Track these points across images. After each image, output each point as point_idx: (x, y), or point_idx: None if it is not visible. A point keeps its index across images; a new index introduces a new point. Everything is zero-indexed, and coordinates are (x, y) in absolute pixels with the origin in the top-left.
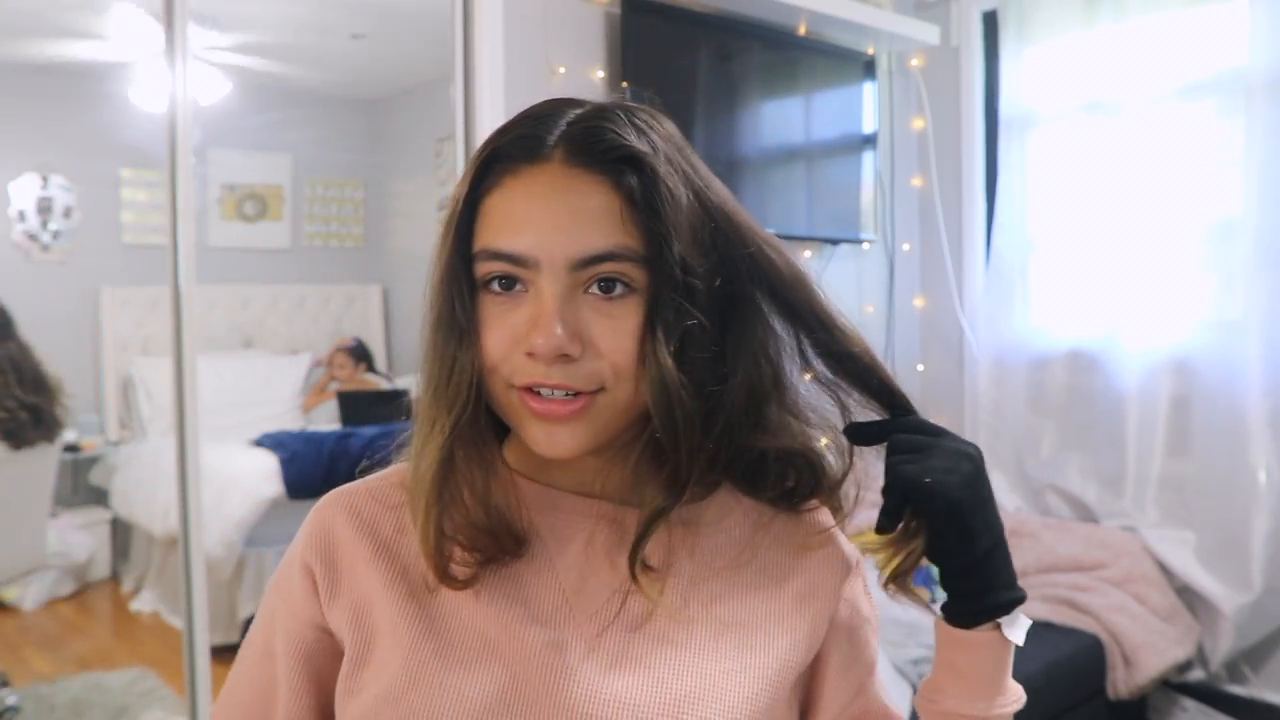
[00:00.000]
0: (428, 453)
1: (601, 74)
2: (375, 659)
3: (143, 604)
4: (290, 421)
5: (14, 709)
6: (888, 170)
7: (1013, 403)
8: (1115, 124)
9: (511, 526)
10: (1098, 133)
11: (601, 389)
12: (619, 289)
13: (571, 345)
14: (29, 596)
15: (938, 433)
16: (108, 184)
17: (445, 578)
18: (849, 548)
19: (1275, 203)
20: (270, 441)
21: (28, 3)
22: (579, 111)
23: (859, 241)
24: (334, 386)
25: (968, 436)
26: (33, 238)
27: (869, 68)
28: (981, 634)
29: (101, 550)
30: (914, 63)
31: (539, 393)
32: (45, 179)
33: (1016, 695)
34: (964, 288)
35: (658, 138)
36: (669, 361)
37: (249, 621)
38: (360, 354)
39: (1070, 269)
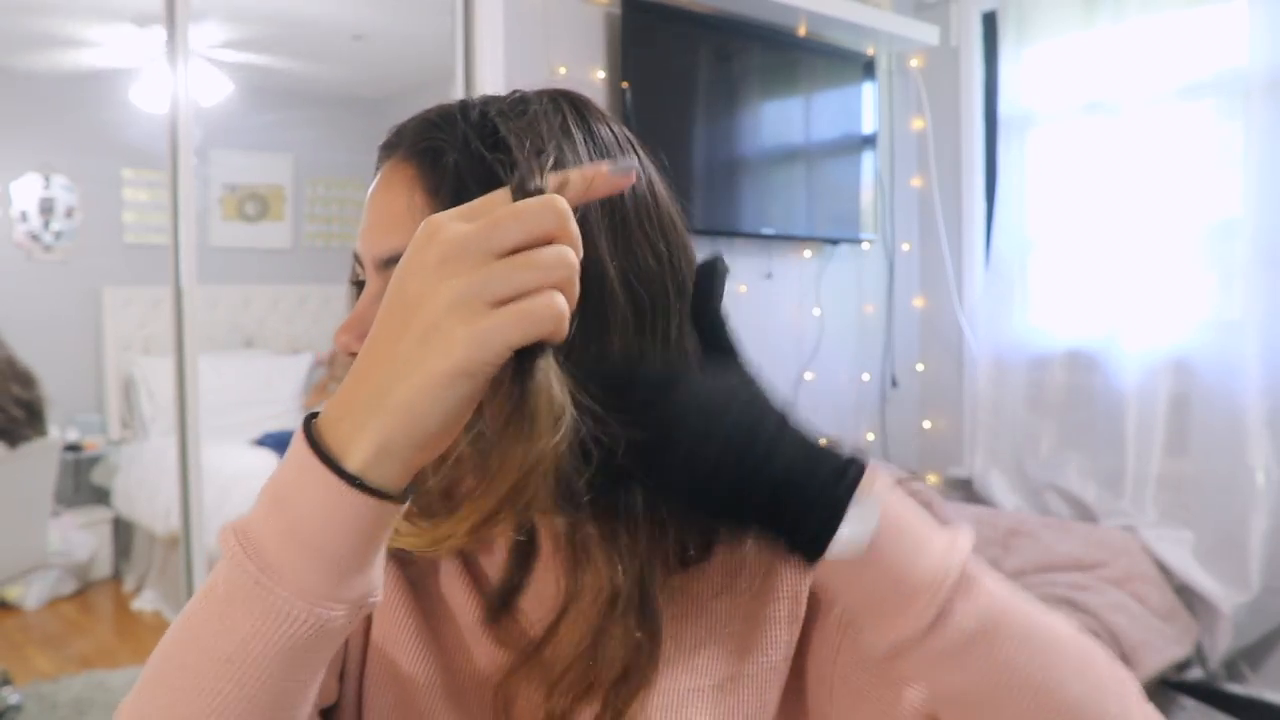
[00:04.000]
0: None
1: (601, 74)
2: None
3: (144, 603)
4: (291, 421)
5: (16, 708)
6: (887, 170)
7: (1012, 402)
8: (1114, 124)
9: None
10: (1097, 133)
11: None
12: None
13: (357, 345)
14: (31, 595)
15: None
16: (109, 184)
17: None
18: None
19: (1274, 203)
20: (271, 441)
21: (30, 4)
22: (431, 110)
23: (859, 241)
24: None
25: (967, 436)
26: (35, 238)
27: (869, 68)
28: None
29: (103, 549)
30: (914, 63)
31: None
32: (47, 179)
33: (942, 554)
34: (963, 288)
35: (508, 121)
36: None
37: None
38: None
39: (1069, 269)
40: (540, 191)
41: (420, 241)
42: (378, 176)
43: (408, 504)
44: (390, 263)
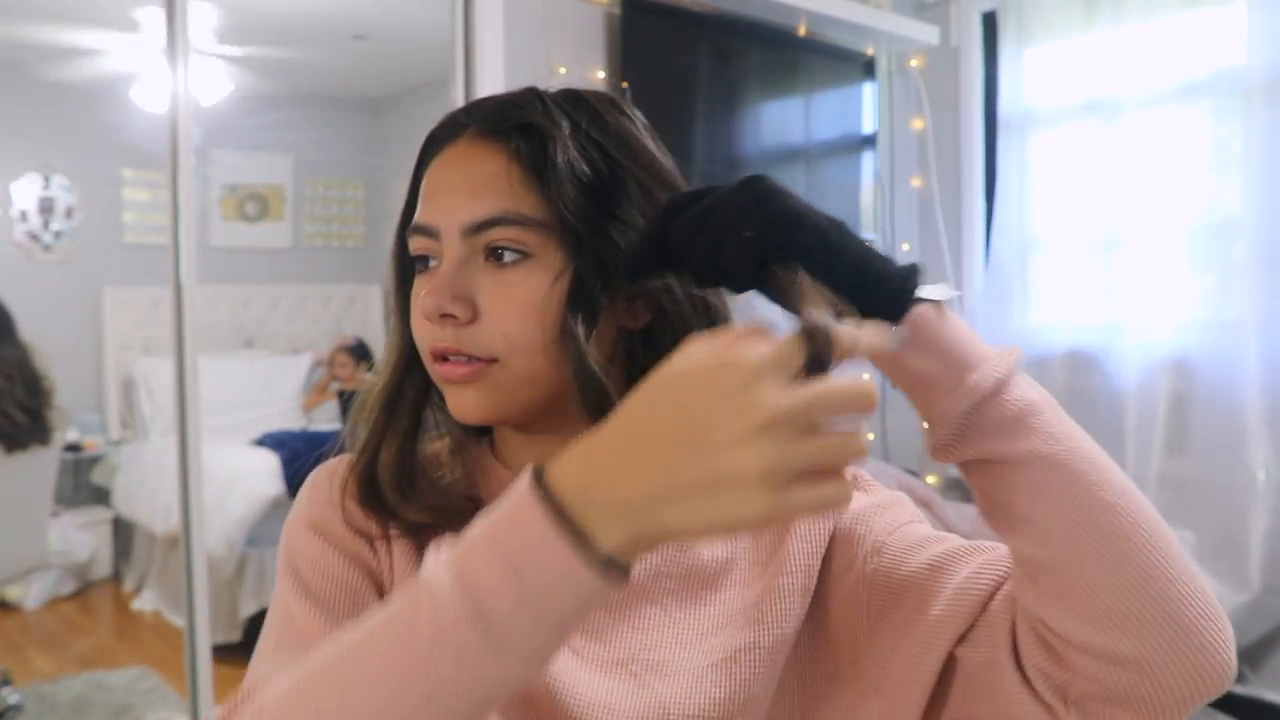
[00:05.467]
0: (359, 426)
1: (601, 74)
2: None
3: (144, 603)
4: (291, 421)
5: (16, 708)
6: (887, 170)
7: None
8: (1114, 124)
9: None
10: (1097, 133)
11: (495, 360)
12: (509, 256)
13: (454, 305)
14: (31, 596)
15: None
16: (109, 184)
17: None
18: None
19: (1273, 203)
20: (271, 441)
21: (30, 4)
22: (504, 94)
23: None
24: (335, 386)
25: None
26: (34, 238)
27: (869, 68)
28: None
29: (103, 549)
30: (913, 63)
31: (447, 359)
32: (47, 179)
33: (997, 353)
34: (963, 287)
35: (577, 113)
36: (580, 336)
37: (250, 621)
38: (361, 354)
39: (1069, 269)
40: (828, 358)
41: (733, 383)
42: (446, 151)
43: None
44: (482, 228)
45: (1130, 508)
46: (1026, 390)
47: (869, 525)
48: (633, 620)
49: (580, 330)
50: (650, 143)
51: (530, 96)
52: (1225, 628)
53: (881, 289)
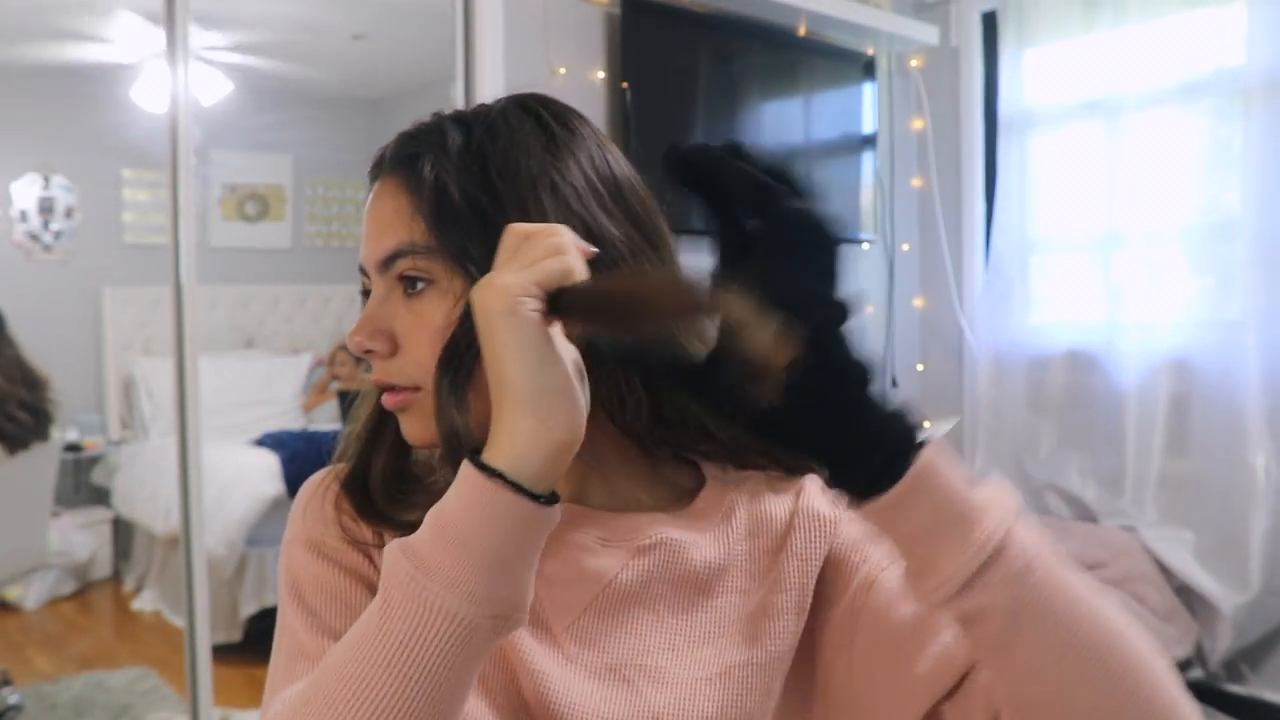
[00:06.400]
0: (350, 444)
1: (601, 74)
2: None
3: (144, 603)
4: (291, 421)
5: (16, 708)
6: (887, 171)
7: (1012, 402)
8: (1114, 125)
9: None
10: (1096, 133)
11: (419, 388)
12: (419, 285)
13: (373, 341)
14: (31, 596)
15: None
16: (109, 184)
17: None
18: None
19: (1273, 203)
20: (271, 441)
21: (30, 4)
22: (411, 126)
23: (859, 242)
24: (335, 386)
25: (967, 436)
26: (34, 238)
27: (868, 68)
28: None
29: (103, 549)
30: (913, 63)
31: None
32: (47, 179)
33: (997, 501)
34: (963, 288)
35: (472, 133)
36: (464, 360)
37: (250, 620)
38: None
39: (1069, 269)
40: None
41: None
42: (372, 190)
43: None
44: (387, 262)
45: (1120, 650)
46: (1026, 540)
47: (864, 555)
48: (625, 626)
49: (452, 365)
50: (547, 153)
51: (429, 125)
52: None
53: (882, 442)
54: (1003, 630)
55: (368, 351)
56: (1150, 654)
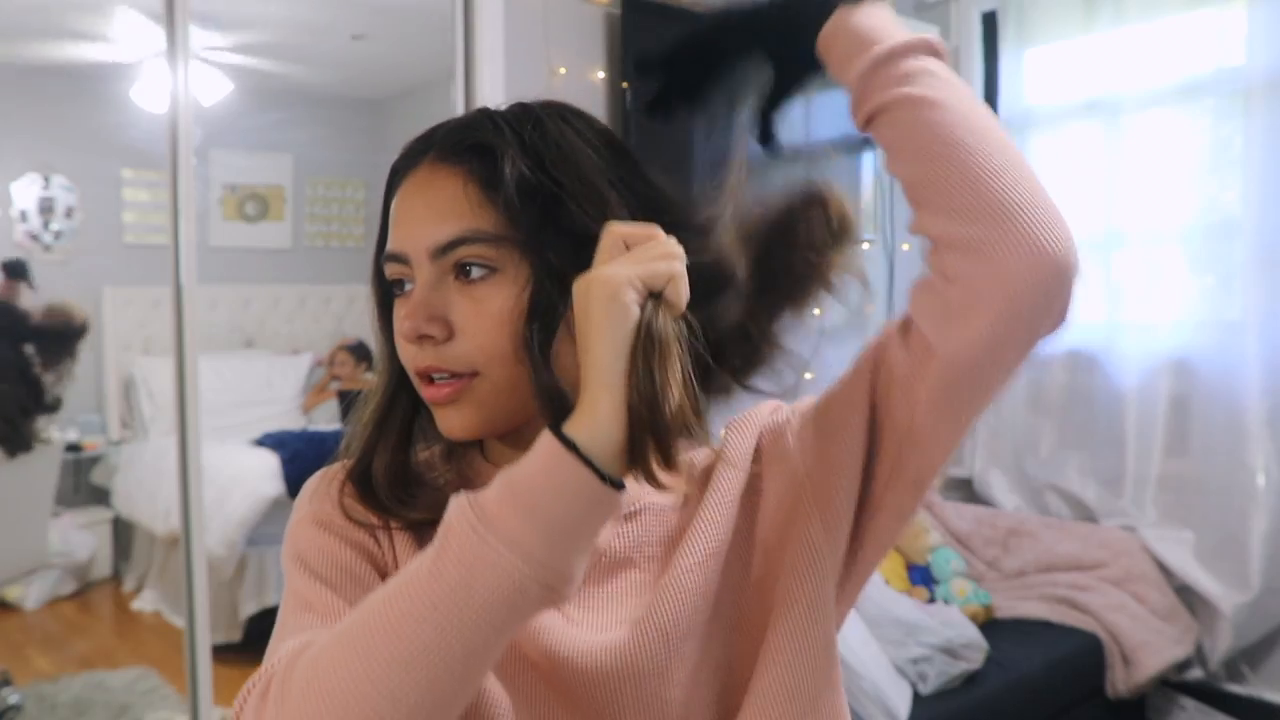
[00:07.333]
0: (353, 441)
1: (601, 74)
2: None
3: (144, 603)
4: (291, 421)
5: (16, 708)
6: (887, 170)
7: (1012, 402)
8: (1113, 125)
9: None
10: (1096, 133)
11: (476, 373)
12: (476, 272)
13: (430, 326)
14: (31, 596)
15: None
16: (109, 184)
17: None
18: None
19: (1273, 203)
20: (271, 441)
21: (30, 4)
22: (455, 119)
23: (859, 242)
24: (335, 386)
25: (967, 436)
26: (34, 238)
27: None
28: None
29: (103, 550)
30: None
31: (432, 379)
32: (47, 179)
33: (903, 33)
34: None
35: (523, 127)
36: (535, 345)
37: (250, 620)
38: (362, 353)
39: None
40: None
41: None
42: (409, 179)
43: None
44: (447, 249)
45: (982, 132)
46: (929, 63)
47: (791, 411)
48: (619, 585)
49: (536, 339)
50: (590, 148)
51: (480, 117)
52: (1057, 222)
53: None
54: (889, 120)
55: (422, 337)
56: (1007, 145)
